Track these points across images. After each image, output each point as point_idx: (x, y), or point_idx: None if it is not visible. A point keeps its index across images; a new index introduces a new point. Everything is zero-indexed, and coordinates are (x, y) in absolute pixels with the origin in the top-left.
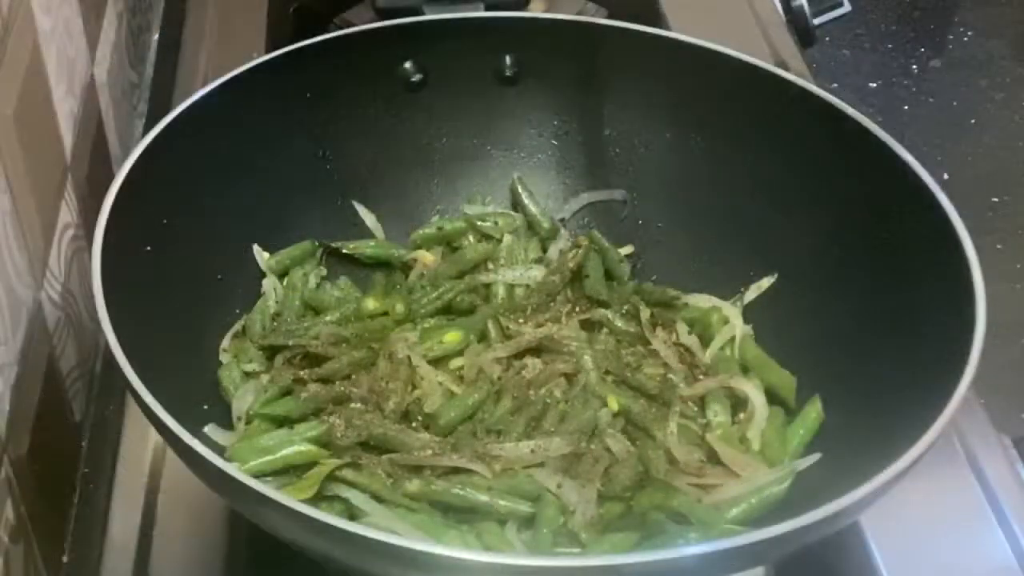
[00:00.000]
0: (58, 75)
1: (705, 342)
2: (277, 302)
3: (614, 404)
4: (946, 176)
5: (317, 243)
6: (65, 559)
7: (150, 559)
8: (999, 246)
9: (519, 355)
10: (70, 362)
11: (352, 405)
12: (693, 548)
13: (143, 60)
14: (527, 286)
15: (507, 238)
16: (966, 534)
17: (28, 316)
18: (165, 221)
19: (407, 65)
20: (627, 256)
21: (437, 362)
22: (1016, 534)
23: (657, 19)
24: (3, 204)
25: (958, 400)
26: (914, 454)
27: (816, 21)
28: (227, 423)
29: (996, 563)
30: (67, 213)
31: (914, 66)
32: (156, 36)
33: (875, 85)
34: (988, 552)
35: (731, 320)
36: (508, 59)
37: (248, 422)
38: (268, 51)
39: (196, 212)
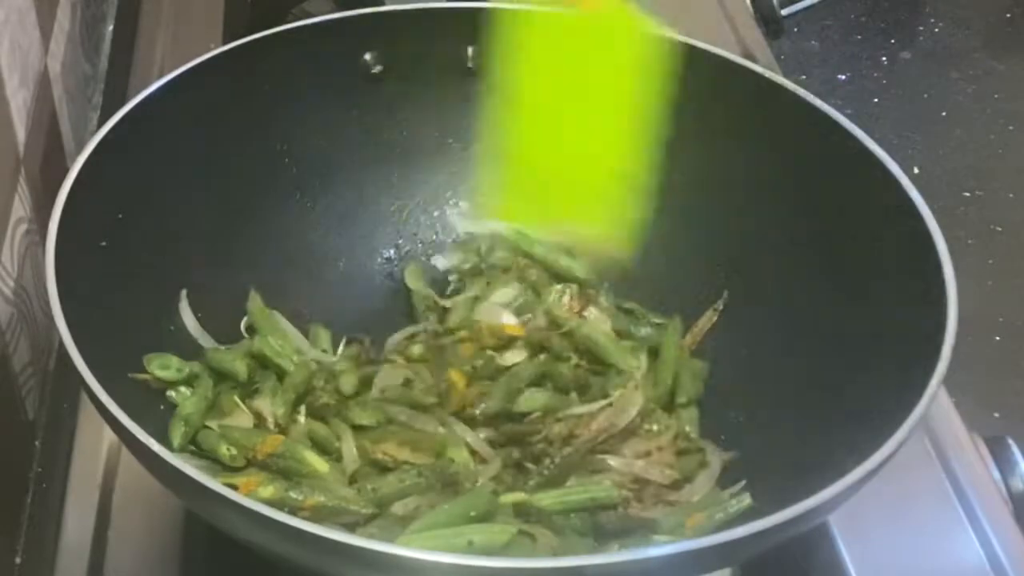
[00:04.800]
0: (11, 67)
1: None
2: None
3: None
4: (916, 170)
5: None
6: (18, 560)
7: (105, 559)
8: (970, 241)
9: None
10: (23, 359)
11: None
12: (660, 549)
13: (98, 51)
14: None
15: None
16: (937, 534)
17: None
18: (120, 216)
19: (367, 57)
20: None
21: None
22: (987, 534)
23: None
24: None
25: (929, 398)
26: (884, 453)
27: (784, 12)
28: None
29: (967, 564)
30: (20, 207)
31: (884, 58)
32: (111, 27)
33: (844, 77)
34: (959, 553)
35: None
36: (470, 50)
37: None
38: (225, 42)
39: (152, 206)
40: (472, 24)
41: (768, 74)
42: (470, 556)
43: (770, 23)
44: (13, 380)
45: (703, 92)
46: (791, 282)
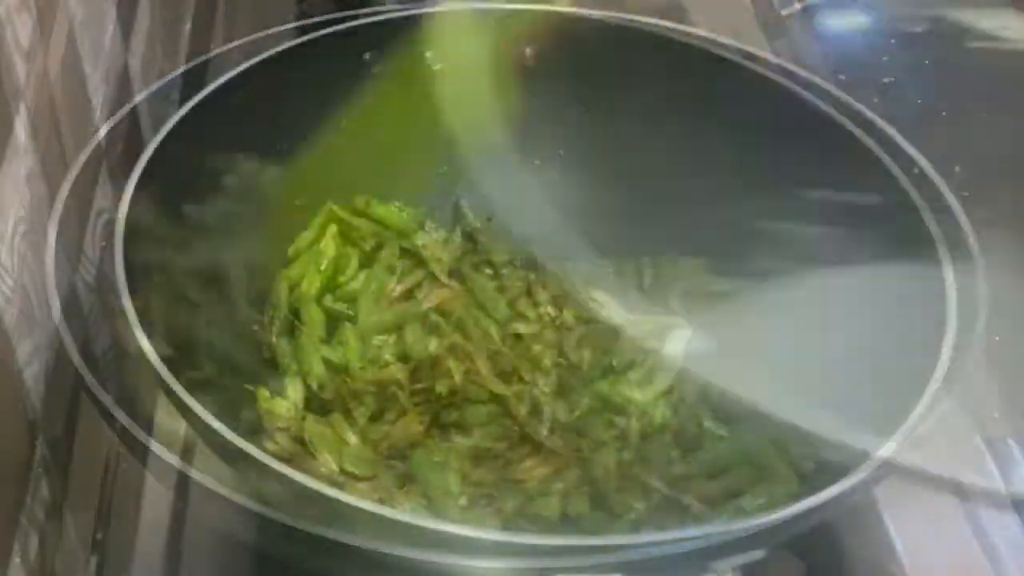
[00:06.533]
0: (93, 65)
1: None
2: None
3: None
4: (916, 170)
5: None
6: (18, 560)
7: (105, 559)
8: (970, 241)
9: None
10: (23, 359)
11: None
12: (694, 530)
13: (176, 50)
14: None
15: None
16: (936, 534)
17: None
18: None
19: (366, 56)
20: None
21: None
22: (987, 534)
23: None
24: (39, 190)
25: (929, 398)
26: (884, 455)
27: (784, 12)
28: None
29: (967, 564)
30: (101, 199)
31: (884, 58)
32: (188, 26)
33: (844, 77)
34: (959, 553)
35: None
36: None
37: None
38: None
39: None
40: None
41: (768, 73)
42: (507, 532)
43: (770, 23)
44: (13, 380)
45: (703, 91)
46: (787, 282)
